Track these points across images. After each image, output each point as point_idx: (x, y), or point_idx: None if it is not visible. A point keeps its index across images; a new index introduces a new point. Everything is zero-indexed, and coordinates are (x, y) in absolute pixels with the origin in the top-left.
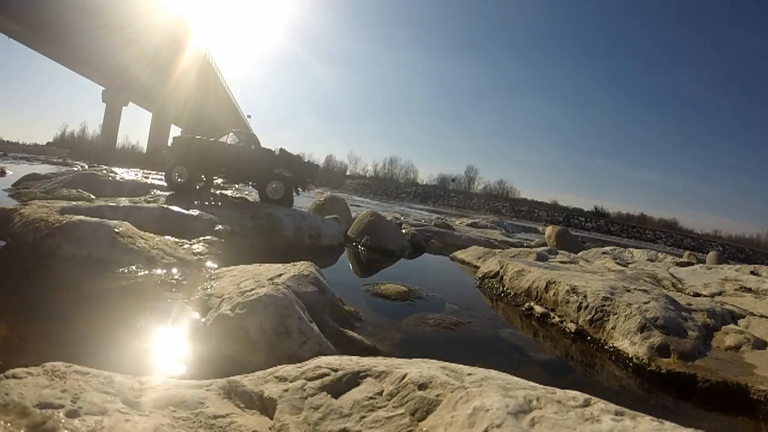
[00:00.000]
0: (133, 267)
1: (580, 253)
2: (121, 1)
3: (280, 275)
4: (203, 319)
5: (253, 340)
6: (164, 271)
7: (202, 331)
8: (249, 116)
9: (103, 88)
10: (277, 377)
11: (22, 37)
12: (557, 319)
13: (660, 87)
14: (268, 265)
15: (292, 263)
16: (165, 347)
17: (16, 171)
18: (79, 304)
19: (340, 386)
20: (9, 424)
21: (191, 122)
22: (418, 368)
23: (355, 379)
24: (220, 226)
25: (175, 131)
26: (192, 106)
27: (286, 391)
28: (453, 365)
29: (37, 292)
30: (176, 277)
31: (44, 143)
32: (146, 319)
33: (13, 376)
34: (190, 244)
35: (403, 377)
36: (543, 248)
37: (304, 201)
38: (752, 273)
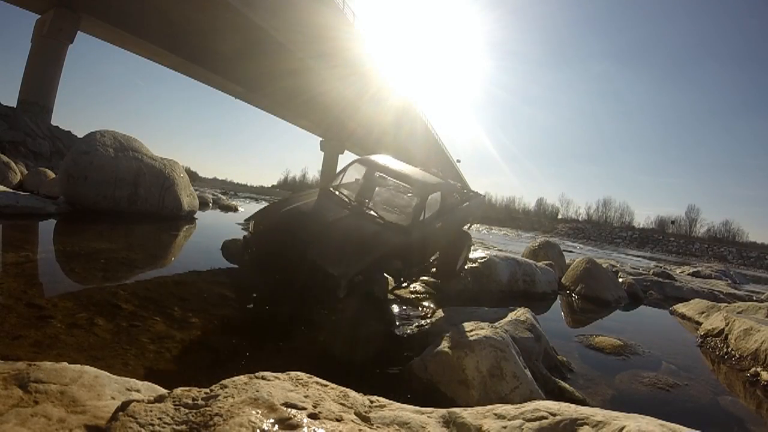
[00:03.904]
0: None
1: None
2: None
3: (497, 319)
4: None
5: (469, 378)
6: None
7: (418, 363)
8: (458, 161)
9: (321, 139)
10: (495, 414)
11: (244, 96)
12: None
13: None
14: (485, 309)
15: (507, 308)
16: (382, 371)
17: (246, 208)
18: (303, 325)
19: (557, 431)
20: (260, 414)
21: None
22: (636, 422)
23: (572, 426)
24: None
25: None
26: (405, 156)
27: (505, 428)
28: (672, 425)
29: (267, 310)
30: (393, 312)
31: (269, 185)
32: (369, 346)
33: (263, 378)
34: (409, 284)
35: (621, 429)
36: None
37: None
38: None
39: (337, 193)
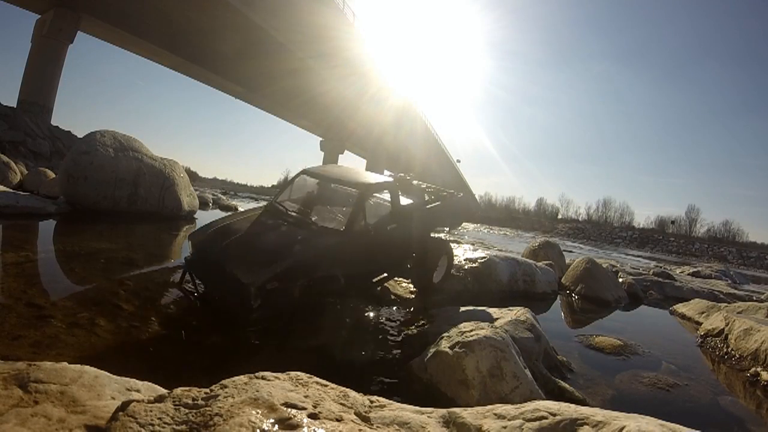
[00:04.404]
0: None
1: None
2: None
3: (496, 319)
4: (424, 353)
5: (469, 378)
6: (385, 307)
7: (418, 363)
8: (458, 161)
9: (321, 139)
10: (495, 414)
11: (244, 96)
12: None
13: None
14: (484, 309)
15: (507, 308)
16: (382, 371)
17: (245, 208)
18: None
19: (557, 431)
20: (260, 414)
21: (402, 169)
22: (636, 422)
23: (572, 426)
24: None
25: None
26: (405, 158)
27: (505, 428)
28: (672, 425)
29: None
30: (394, 312)
31: (269, 185)
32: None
33: (263, 378)
34: (408, 282)
35: (621, 429)
36: None
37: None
38: None
39: (280, 206)
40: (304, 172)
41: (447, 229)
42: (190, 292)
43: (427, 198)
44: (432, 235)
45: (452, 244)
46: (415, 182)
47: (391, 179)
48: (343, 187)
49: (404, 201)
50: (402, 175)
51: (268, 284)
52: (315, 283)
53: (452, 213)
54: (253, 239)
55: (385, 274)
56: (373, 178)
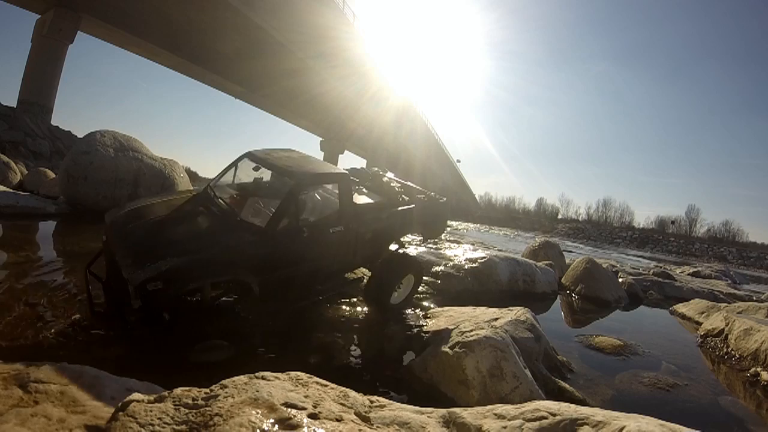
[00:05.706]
0: (357, 298)
1: None
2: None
3: (496, 319)
4: (424, 353)
5: (469, 378)
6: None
7: (418, 363)
8: (458, 161)
9: (321, 139)
10: (495, 414)
11: (244, 96)
12: None
13: None
14: (483, 309)
15: (507, 308)
16: (382, 371)
17: None
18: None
19: (557, 431)
20: (260, 414)
21: (403, 169)
22: (637, 422)
23: (572, 425)
24: (438, 268)
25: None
26: (405, 158)
27: (505, 428)
28: (672, 425)
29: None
30: (394, 312)
31: None
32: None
33: (263, 378)
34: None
35: (621, 429)
36: None
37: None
38: None
39: (211, 192)
40: (248, 154)
41: (424, 238)
42: (98, 278)
43: (401, 199)
44: (405, 249)
45: (452, 244)
46: (386, 179)
47: (342, 171)
48: (277, 174)
49: (365, 200)
50: (376, 169)
51: (150, 284)
52: (216, 289)
53: (428, 220)
54: (159, 227)
55: (329, 287)
56: (319, 167)
